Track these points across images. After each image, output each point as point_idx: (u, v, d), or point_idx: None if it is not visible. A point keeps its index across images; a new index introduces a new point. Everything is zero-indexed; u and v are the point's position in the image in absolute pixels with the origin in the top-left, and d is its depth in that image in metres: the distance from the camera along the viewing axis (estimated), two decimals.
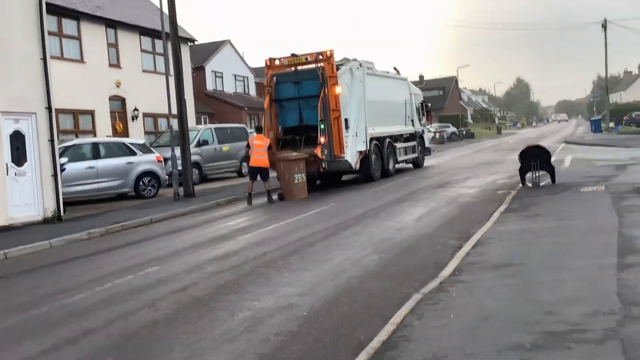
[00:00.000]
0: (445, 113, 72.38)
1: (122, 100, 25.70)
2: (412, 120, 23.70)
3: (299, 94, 18.23)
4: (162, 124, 27.35)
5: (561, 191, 12.79)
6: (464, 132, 58.12)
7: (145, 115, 26.76)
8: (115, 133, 24.55)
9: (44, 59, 14.71)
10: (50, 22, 21.55)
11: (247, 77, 44.78)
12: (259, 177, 16.16)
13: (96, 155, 17.94)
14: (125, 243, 11.40)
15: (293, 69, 18.34)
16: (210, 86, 40.62)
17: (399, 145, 21.75)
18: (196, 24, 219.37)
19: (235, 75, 43.44)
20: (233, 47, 43.77)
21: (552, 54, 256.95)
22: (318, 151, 17.05)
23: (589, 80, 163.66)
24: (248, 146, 16.55)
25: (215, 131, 23.94)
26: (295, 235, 10.54)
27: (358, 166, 18.49)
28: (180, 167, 18.05)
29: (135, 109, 25.96)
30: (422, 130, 24.87)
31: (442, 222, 10.91)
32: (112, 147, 18.61)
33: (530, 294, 5.80)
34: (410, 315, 5.48)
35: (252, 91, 44.68)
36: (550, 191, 13.02)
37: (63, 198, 15.27)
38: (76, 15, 23.19)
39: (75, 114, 23.15)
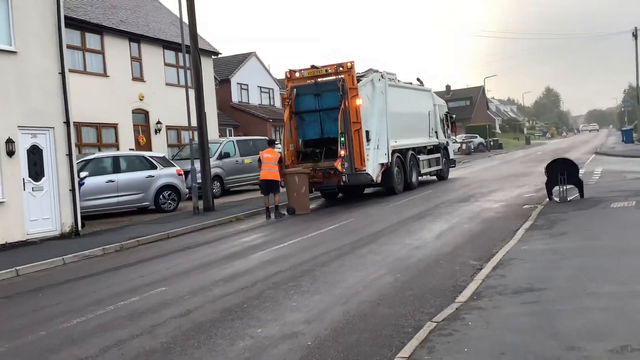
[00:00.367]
0: (473, 123, 71.51)
1: (146, 114, 25.72)
2: (436, 132, 23.25)
3: (320, 106, 17.98)
4: (185, 136, 27.28)
5: (589, 207, 12.24)
6: (492, 143, 57.03)
7: (168, 128, 26.76)
8: (138, 146, 24.55)
9: (62, 73, 14.66)
10: (74, 36, 21.71)
11: (272, 89, 44.69)
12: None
13: (116, 168, 17.90)
14: (138, 260, 11.19)
15: (313, 80, 18.07)
16: (235, 98, 40.62)
17: (422, 157, 21.33)
18: (224, 38, 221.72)
19: (260, 87, 43.39)
20: (259, 59, 43.75)
21: (583, 63, 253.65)
22: (338, 164, 16.72)
23: (619, 89, 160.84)
24: (259, 160, 16.34)
25: (237, 143, 23.84)
26: (309, 253, 10.20)
27: (379, 179, 18.10)
28: (200, 180, 17.89)
29: (159, 122, 25.96)
30: (447, 142, 24.37)
31: (463, 240, 10.48)
32: (133, 161, 18.56)
33: (551, 325, 5.35)
34: (421, 348, 5.09)
35: (277, 103, 44.55)
36: (578, 206, 12.47)
37: (83, 212, 15.18)
38: (99, 30, 23.30)
39: (98, 127, 23.20)
